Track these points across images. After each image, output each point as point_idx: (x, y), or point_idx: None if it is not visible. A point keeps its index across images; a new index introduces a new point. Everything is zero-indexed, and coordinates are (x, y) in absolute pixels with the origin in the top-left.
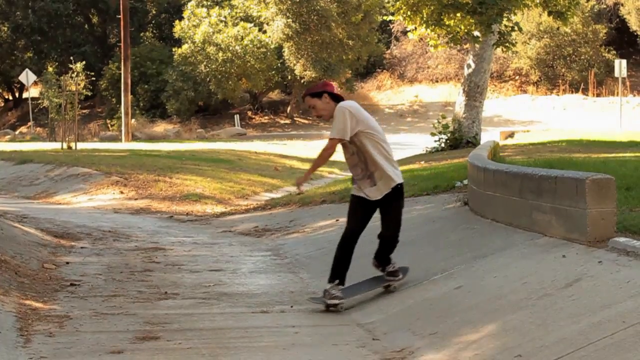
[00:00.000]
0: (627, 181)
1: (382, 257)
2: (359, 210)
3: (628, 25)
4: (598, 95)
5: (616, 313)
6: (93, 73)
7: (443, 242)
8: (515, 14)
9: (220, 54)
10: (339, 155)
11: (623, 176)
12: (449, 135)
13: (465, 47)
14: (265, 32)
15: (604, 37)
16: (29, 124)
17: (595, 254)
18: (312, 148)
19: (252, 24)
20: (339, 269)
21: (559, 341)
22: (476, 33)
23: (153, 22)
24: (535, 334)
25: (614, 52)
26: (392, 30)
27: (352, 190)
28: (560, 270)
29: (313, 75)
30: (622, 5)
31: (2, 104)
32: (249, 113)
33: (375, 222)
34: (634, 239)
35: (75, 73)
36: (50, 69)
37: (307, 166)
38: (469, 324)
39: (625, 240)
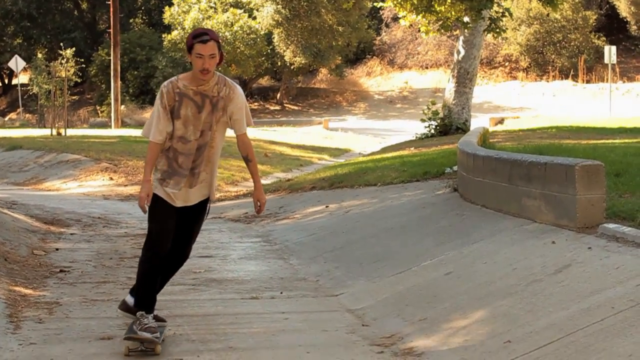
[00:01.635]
0: (617, 167)
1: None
2: (168, 217)
3: (618, 11)
4: (588, 81)
5: (605, 299)
6: (82, 59)
7: (433, 228)
8: None
9: None
10: (328, 141)
11: (612, 162)
12: (438, 121)
13: (455, 33)
14: (255, 18)
15: (593, 24)
16: (19, 110)
17: (584, 240)
18: (302, 134)
19: (242, 10)
20: (146, 293)
21: (548, 327)
22: (466, 19)
23: (142, 8)
24: (525, 320)
25: (604, 38)
26: (382, 16)
27: (155, 188)
28: (550, 256)
29: (303, 62)
30: None
31: None
32: None
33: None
34: (624, 225)
35: (65, 59)
36: (39, 55)
37: (297, 152)
38: (458, 309)
39: (614, 227)
